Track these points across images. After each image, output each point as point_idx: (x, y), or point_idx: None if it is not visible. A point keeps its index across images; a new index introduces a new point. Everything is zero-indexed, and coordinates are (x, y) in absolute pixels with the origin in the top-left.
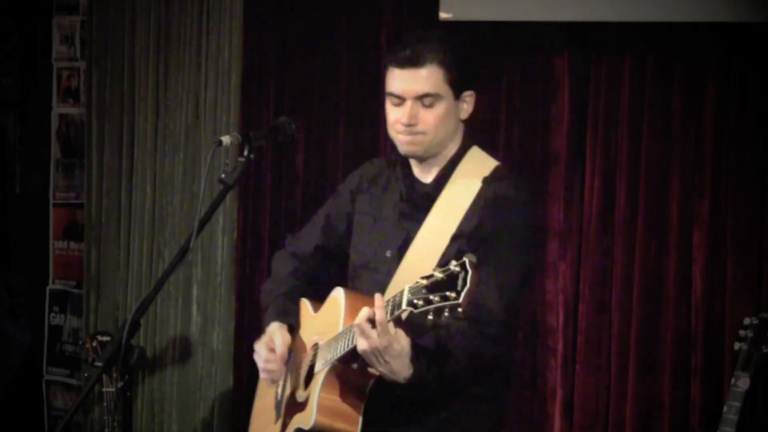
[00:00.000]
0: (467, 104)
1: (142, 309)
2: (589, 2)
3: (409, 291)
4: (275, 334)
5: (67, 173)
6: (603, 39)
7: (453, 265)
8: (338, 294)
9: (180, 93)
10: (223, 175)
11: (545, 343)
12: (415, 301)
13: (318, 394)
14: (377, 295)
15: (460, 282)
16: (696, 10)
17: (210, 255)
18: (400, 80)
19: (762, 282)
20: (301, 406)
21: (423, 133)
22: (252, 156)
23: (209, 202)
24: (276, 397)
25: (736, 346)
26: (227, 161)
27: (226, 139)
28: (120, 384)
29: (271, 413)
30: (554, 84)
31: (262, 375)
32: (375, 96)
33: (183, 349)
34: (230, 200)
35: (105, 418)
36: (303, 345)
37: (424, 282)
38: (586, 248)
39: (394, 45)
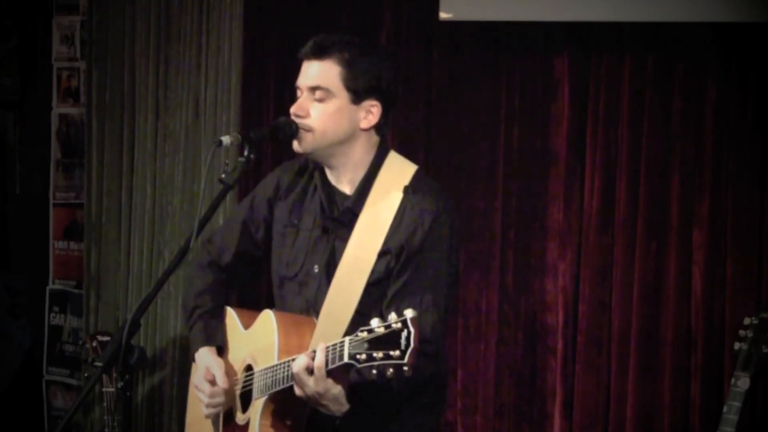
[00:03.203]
0: (371, 114)
1: (142, 309)
2: (589, 2)
3: (350, 344)
4: (211, 365)
5: (67, 173)
6: (603, 39)
7: (394, 322)
8: (269, 318)
9: (180, 93)
10: (223, 175)
11: (545, 343)
12: (357, 355)
13: (259, 422)
14: (320, 346)
15: (403, 341)
16: (696, 10)
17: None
18: (302, 71)
19: (762, 282)
20: (242, 430)
21: (308, 129)
22: (252, 156)
23: (209, 202)
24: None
25: (736, 346)
26: (227, 161)
27: (226, 139)
28: (120, 384)
29: (208, 428)
30: (554, 84)
31: (206, 410)
32: None
33: (183, 349)
34: (230, 200)
35: (105, 418)
36: (234, 362)
37: (365, 335)
38: (586, 248)
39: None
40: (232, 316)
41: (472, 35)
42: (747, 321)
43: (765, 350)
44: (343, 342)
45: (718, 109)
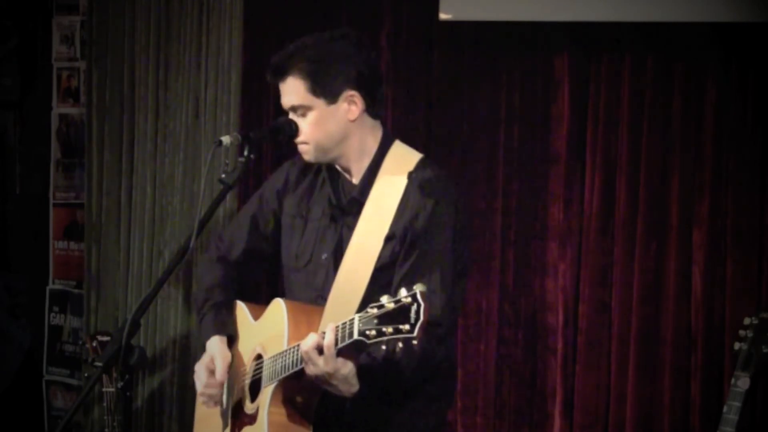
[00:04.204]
0: (354, 105)
1: (142, 309)
2: (589, 2)
3: (360, 321)
4: (216, 354)
5: (67, 173)
6: (603, 39)
7: (403, 297)
8: (280, 306)
9: (180, 93)
10: (223, 175)
11: (545, 343)
12: (367, 331)
13: (267, 410)
14: (329, 326)
15: (413, 315)
16: (696, 10)
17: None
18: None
19: (762, 282)
20: (251, 419)
21: (304, 142)
22: (252, 156)
23: (209, 202)
24: (221, 404)
25: (736, 346)
26: (227, 161)
27: (226, 139)
28: (120, 384)
29: (217, 421)
30: (554, 84)
31: (199, 399)
32: None
33: (183, 349)
34: (230, 200)
35: (105, 418)
36: (244, 353)
37: (375, 311)
38: (586, 248)
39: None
40: (242, 309)
41: (472, 35)
42: (747, 321)
43: (765, 350)
44: (353, 319)
45: (718, 109)
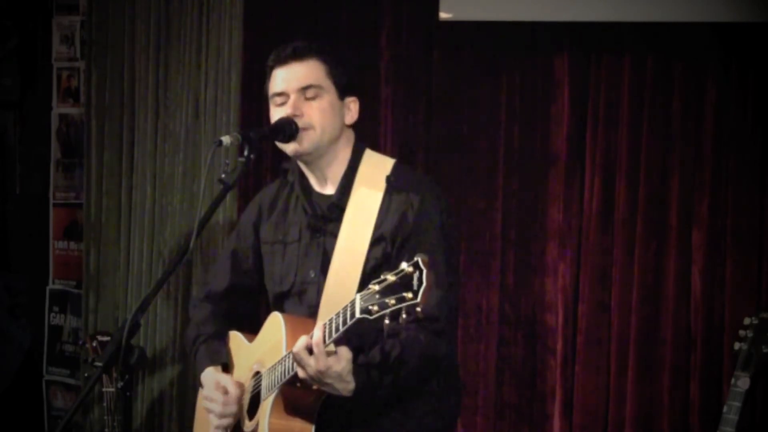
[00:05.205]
0: (351, 110)
1: (142, 309)
2: (589, 2)
3: (361, 298)
4: (220, 378)
5: (67, 173)
6: (603, 39)
7: (405, 266)
8: (277, 319)
9: (180, 93)
10: (223, 175)
11: (545, 343)
12: (369, 307)
13: (268, 420)
14: (318, 324)
15: (415, 282)
16: (696, 10)
17: (210, 255)
18: (282, 77)
19: (762, 282)
20: None
21: (310, 127)
22: (252, 156)
23: (209, 202)
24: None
25: (736, 346)
26: (227, 161)
27: (226, 139)
28: (120, 384)
29: None
30: (554, 84)
31: (218, 422)
32: (375, 95)
33: (183, 349)
34: (230, 200)
35: (105, 418)
36: (239, 378)
37: (376, 287)
38: (586, 248)
39: (276, 50)
40: (236, 335)
41: (472, 35)
42: (747, 321)
43: (765, 350)
44: (353, 300)
45: (718, 109)
